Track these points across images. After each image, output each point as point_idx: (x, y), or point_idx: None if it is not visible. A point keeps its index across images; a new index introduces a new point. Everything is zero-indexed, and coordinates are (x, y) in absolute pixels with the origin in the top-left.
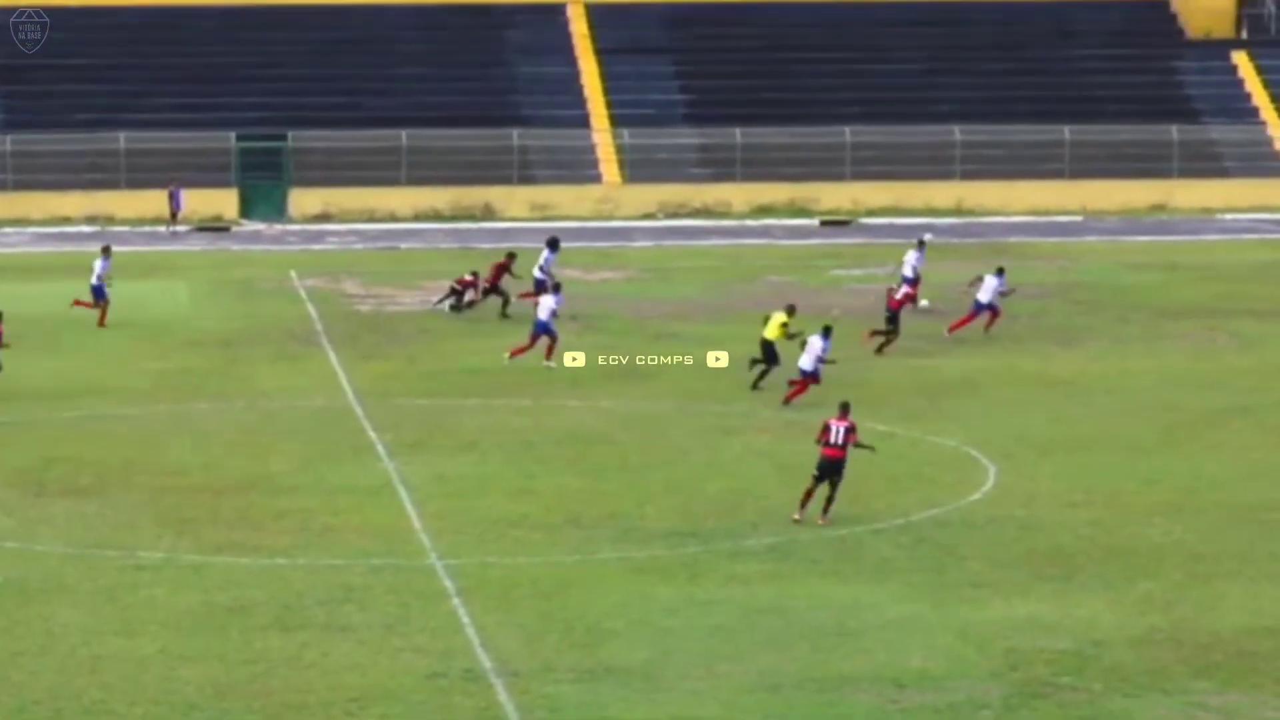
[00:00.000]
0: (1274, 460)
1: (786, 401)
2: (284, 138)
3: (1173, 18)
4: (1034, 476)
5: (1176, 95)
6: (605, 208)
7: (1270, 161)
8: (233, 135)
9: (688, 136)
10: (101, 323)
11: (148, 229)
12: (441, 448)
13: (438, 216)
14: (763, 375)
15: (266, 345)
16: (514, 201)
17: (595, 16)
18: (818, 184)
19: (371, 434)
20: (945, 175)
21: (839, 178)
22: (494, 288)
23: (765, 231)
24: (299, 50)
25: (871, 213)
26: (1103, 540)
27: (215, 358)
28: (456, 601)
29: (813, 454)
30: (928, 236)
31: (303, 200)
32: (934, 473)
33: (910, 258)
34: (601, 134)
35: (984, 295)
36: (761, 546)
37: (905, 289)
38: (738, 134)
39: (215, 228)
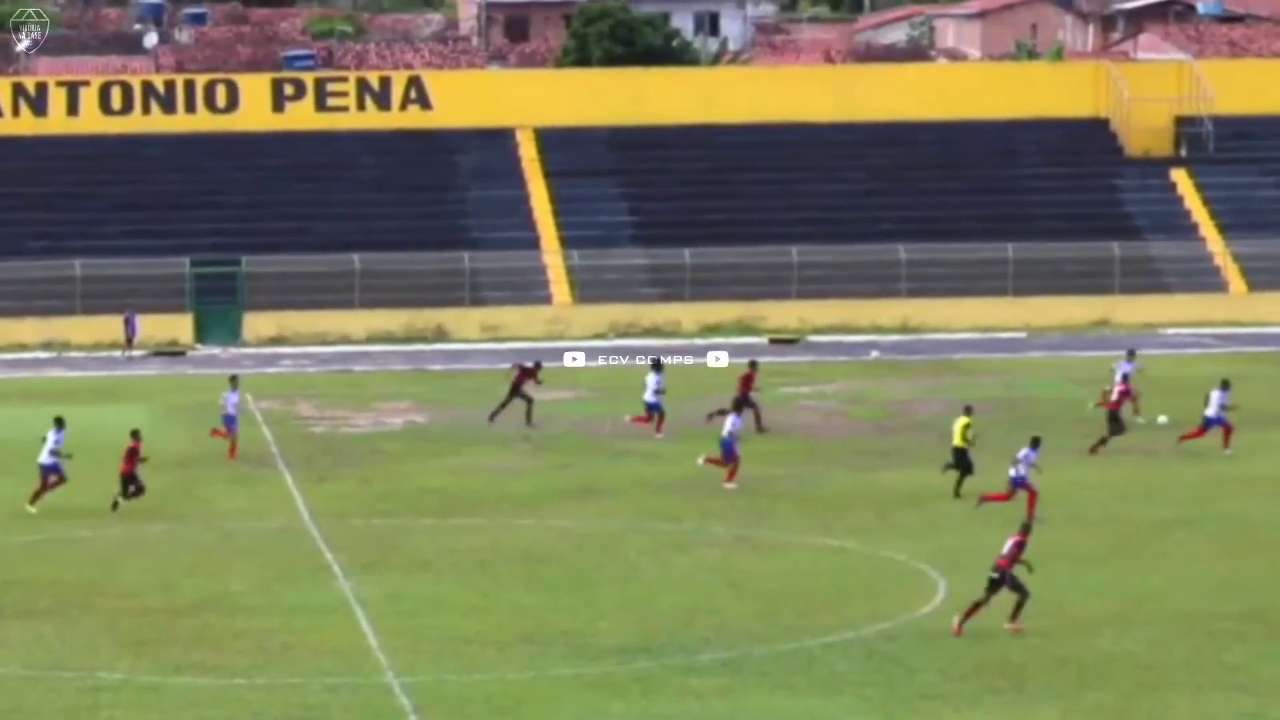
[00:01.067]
0: (1219, 571)
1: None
2: (238, 263)
3: (1113, 136)
4: (983, 589)
5: (1117, 213)
6: (556, 328)
7: (1210, 277)
8: (187, 261)
9: (636, 257)
10: (233, 454)
11: (103, 354)
12: (397, 567)
13: (390, 338)
14: (959, 482)
15: (223, 467)
16: (466, 323)
17: (543, 140)
18: (765, 303)
19: (327, 554)
20: (891, 293)
21: (786, 296)
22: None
23: (714, 350)
24: (251, 176)
25: (818, 331)
26: (1052, 651)
27: (172, 479)
28: (413, 719)
29: (761, 570)
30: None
31: (257, 324)
32: (884, 586)
33: (1120, 367)
34: (551, 255)
35: (1211, 409)
36: (714, 661)
37: (1119, 388)
38: (686, 254)
39: (171, 352)
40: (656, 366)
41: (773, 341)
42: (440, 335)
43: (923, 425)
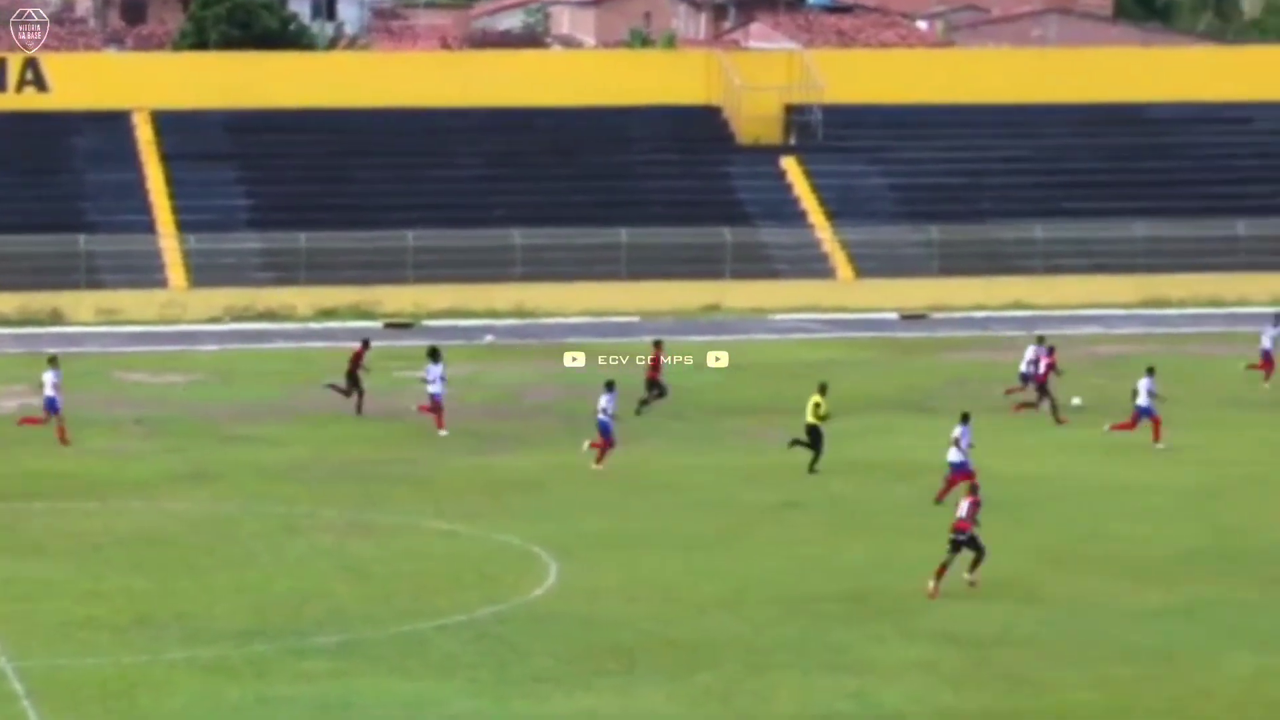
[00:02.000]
0: (825, 554)
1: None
2: None
3: (724, 124)
4: (595, 572)
5: (728, 199)
6: (171, 311)
7: (818, 263)
8: None
9: (252, 241)
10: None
11: None
12: (8, 550)
13: (5, 321)
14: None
15: None
16: (82, 306)
17: (160, 123)
18: (381, 287)
19: None
20: (506, 277)
21: (402, 280)
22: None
23: (329, 334)
24: None
25: (434, 315)
26: (662, 634)
27: None
28: (26, 704)
29: (375, 553)
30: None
31: None
32: (497, 569)
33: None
34: (167, 239)
35: (1141, 399)
36: (328, 644)
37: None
38: (302, 238)
39: None
40: (434, 355)
41: (388, 326)
42: (55, 318)
43: (537, 409)
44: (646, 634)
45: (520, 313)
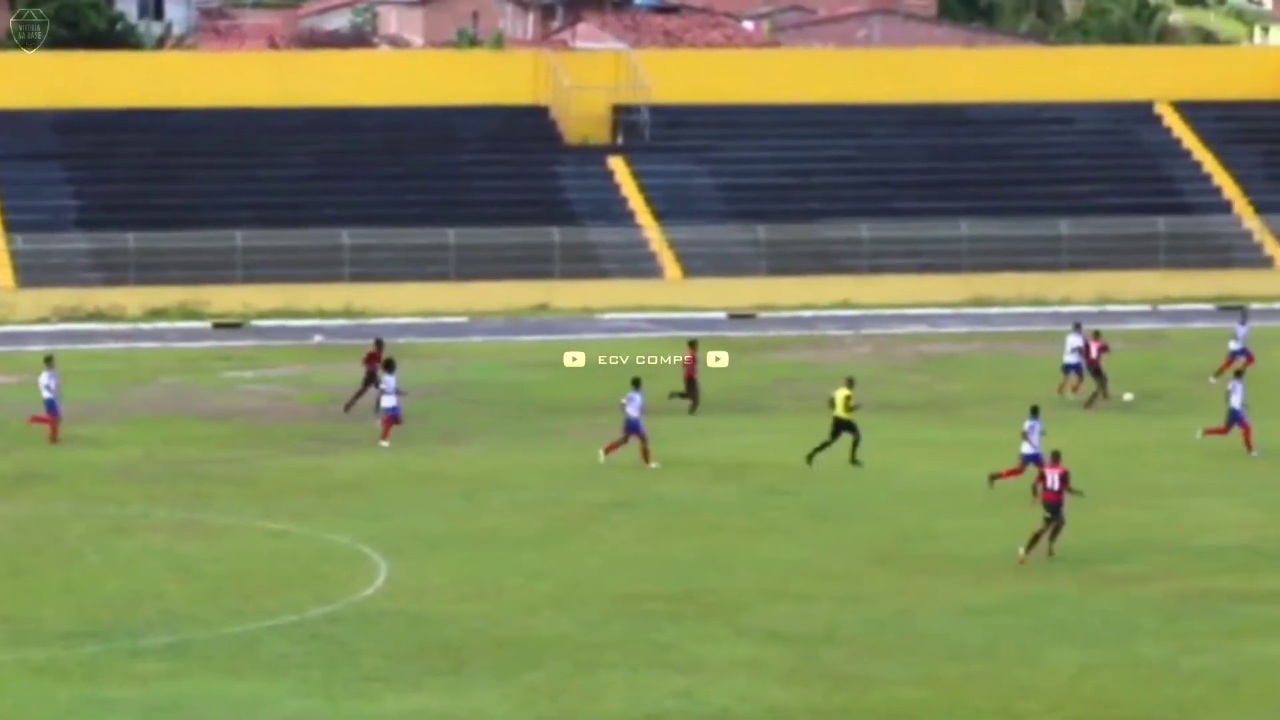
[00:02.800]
0: (652, 553)
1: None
2: None
3: (552, 124)
4: (425, 572)
5: (557, 199)
6: None
7: (647, 263)
8: None
9: (80, 241)
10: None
11: None
12: None
13: None
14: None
15: None
16: None
17: None
18: (210, 287)
19: None
20: (335, 278)
21: (231, 281)
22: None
23: (158, 334)
24: None
25: (263, 315)
26: (492, 633)
27: None
28: None
29: (206, 554)
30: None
31: None
32: (327, 569)
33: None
34: None
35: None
36: (159, 645)
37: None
38: (130, 238)
39: None
40: (389, 367)
41: (217, 326)
42: None
43: (366, 410)
44: (476, 633)
45: (349, 313)
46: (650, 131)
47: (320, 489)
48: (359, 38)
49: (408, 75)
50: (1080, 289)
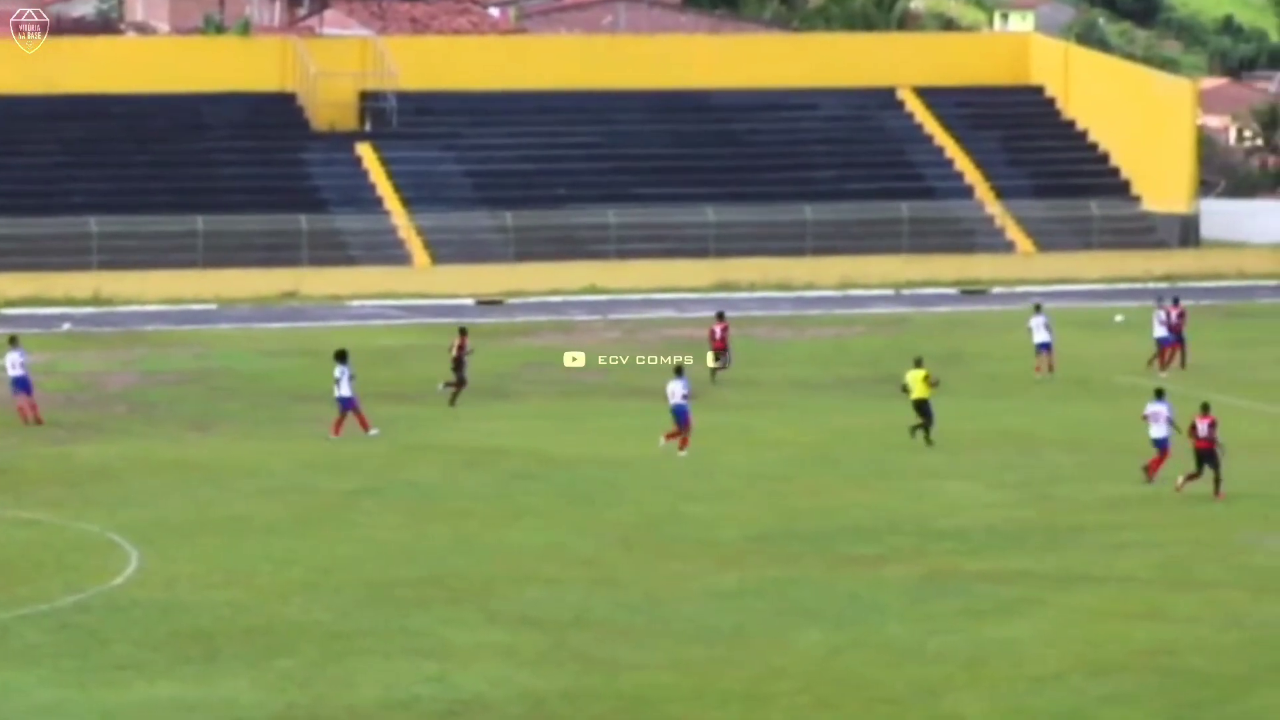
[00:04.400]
0: (403, 539)
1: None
2: None
3: (299, 111)
4: (175, 560)
5: (304, 186)
6: None
7: (395, 250)
8: None
9: None
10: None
11: None
12: None
13: None
14: (926, 431)
15: None
16: None
17: None
18: None
19: None
20: (83, 266)
21: None
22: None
23: None
24: None
25: (11, 303)
26: (243, 620)
27: None
28: None
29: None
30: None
31: None
32: (77, 558)
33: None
34: None
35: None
36: None
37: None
38: None
39: None
40: (341, 357)
41: None
42: None
43: (115, 397)
44: (227, 621)
45: (98, 301)
46: (398, 118)
47: (70, 477)
48: (105, 24)
49: (154, 62)
50: (825, 273)
